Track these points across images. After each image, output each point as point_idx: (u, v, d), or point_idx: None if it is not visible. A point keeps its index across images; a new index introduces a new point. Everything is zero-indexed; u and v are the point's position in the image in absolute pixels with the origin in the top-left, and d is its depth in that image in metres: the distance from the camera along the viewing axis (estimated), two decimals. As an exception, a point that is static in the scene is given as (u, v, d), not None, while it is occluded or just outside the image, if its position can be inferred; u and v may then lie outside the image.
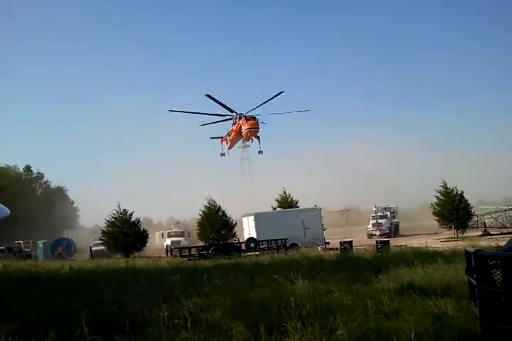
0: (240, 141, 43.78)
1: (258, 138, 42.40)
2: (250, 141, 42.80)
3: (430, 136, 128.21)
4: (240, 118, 41.90)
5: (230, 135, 44.78)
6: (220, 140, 47.26)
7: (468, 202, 37.47)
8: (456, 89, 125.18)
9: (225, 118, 43.51)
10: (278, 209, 38.45)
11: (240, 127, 41.68)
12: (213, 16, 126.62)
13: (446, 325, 6.14)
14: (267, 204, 42.65)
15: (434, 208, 37.97)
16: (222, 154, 47.12)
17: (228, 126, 44.92)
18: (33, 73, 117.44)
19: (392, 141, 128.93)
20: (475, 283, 5.03)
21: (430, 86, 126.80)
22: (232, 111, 42.47)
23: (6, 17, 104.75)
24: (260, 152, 43.08)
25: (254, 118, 41.13)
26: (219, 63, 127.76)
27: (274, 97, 41.21)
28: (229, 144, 45.69)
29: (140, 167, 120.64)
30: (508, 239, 6.11)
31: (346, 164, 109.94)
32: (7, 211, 39.72)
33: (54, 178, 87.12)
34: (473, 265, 5.07)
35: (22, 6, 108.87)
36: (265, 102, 41.06)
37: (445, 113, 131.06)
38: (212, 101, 40.70)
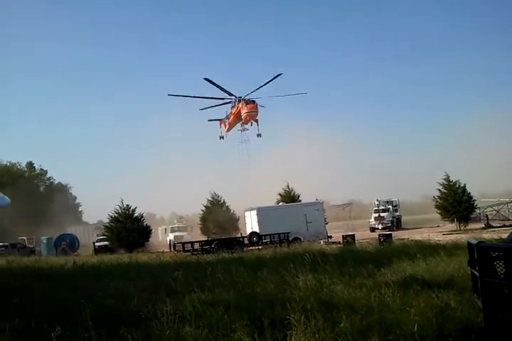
0: (239, 124, 43.93)
1: (257, 121, 42.49)
2: (249, 124, 42.89)
3: (432, 129, 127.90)
4: (240, 101, 41.86)
5: (229, 118, 44.84)
6: (218, 122, 47.35)
7: (471, 194, 37.40)
8: (457, 85, 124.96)
9: (224, 101, 43.55)
10: (281, 203, 38.49)
11: (240, 111, 41.66)
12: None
13: (450, 317, 6.16)
14: (270, 197, 42.76)
15: (437, 201, 37.89)
16: (221, 137, 47.26)
17: (227, 108, 45.09)
18: (35, 69, 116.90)
19: (394, 135, 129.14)
20: (478, 274, 5.05)
21: (431, 80, 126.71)
22: (230, 94, 42.47)
23: (6, 14, 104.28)
24: (259, 135, 43.22)
25: (253, 101, 41.06)
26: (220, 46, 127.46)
27: (272, 80, 41.05)
28: (227, 127, 45.78)
29: (142, 162, 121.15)
30: (511, 231, 6.11)
31: (348, 157, 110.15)
32: (7, 199, 39.87)
33: (57, 175, 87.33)
34: (476, 257, 5.08)
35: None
36: (263, 85, 40.98)
37: (446, 107, 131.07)
38: (209, 85, 40.73)
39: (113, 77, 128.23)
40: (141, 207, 39.42)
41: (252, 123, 42.71)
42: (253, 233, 30.06)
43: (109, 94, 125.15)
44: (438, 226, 40.60)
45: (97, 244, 38.39)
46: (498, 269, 5.02)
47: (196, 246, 27.25)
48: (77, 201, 78.65)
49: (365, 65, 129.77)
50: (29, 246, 41.18)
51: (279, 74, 41.17)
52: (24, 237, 43.79)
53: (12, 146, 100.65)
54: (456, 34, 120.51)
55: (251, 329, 6.11)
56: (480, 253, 5.03)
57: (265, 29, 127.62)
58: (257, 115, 41.65)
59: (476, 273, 5.18)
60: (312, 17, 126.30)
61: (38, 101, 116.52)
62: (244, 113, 41.00)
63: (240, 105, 41.61)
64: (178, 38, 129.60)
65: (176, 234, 42.47)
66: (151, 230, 39.05)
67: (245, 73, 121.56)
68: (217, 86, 41.25)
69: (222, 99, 43.20)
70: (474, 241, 5.27)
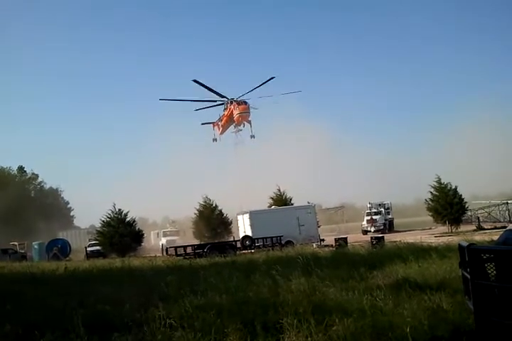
0: (232, 126, 44.18)
1: (250, 122, 42.67)
2: (242, 125, 43.09)
3: (424, 131, 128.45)
4: (232, 103, 42.06)
5: (221, 120, 45.03)
6: (211, 125, 47.48)
7: (462, 196, 37.59)
8: (452, 86, 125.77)
9: (216, 103, 43.72)
10: (273, 206, 38.49)
11: (232, 112, 41.91)
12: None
13: (441, 319, 6.18)
14: (262, 200, 42.76)
15: (428, 204, 38.05)
16: (214, 139, 47.48)
17: (220, 111, 45.38)
18: (30, 72, 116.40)
19: (387, 138, 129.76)
20: (469, 276, 5.06)
21: (428, 81, 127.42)
22: (222, 96, 42.65)
23: (3, 18, 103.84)
24: (252, 136, 43.45)
25: (245, 102, 41.36)
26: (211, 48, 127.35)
27: (265, 83, 41.34)
28: (221, 129, 45.95)
29: (134, 166, 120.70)
30: (501, 232, 6.14)
31: (341, 160, 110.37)
32: None
33: (49, 179, 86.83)
34: (467, 259, 5.09)
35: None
36: (256, 88, 41.25)
37: (442, 109, 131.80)
38: (199, 87, 41.21)
39: (106, 81, 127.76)
40: (133, 212, 39.34)
41: (244, 124, 42.92)
42: (246, 236, 30.05)
43: (102, 99, 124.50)
44: (430, 228, 40.78)
45: (89, 248, 38.15)
46: (489, 271, 5.04)
47: (189, 250, 27.18)
48: (68, 205, 78.36)
49: (362, 65, 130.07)
50: (20, 251, 40.90)
51: (272, 78, 41.57)
52: (15, 242, 43.47)
53: (2, 151, 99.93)
54: (455, 33, 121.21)
55: (244, 334, 6.11)
56: (471, 255, 5.04)
57: (261, 30, 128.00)
58: (249, 116, 41.88)
59: (467, 275, 5.19)
60: (310, 16, 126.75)
61: (30, 106, 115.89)
62: (236, 114, 41.28)
63: (232, 106, 41.86)
64: (173, 40, 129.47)
65: (169, 238, 42.39)
66: (143, 234, 38.91)
67: (238, 75, 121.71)
68: (207, 87, 41.46)
69: (215, 101, 43.40)
70: (465, 244, 5.29)
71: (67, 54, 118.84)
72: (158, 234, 48.05)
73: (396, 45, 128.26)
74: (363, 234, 41.56)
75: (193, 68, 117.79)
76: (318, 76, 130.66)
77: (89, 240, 43.02)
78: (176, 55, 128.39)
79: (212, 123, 47.06)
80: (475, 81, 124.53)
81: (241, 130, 43.64)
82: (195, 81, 40.70)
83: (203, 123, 48.77)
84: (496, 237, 8.85)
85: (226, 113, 43.35)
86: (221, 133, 46.31)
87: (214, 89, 42.10)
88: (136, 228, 38.09)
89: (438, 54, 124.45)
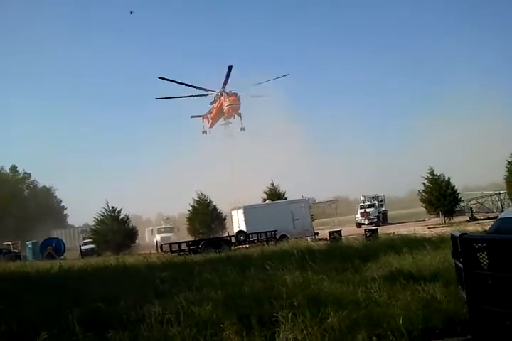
0: (222, 119, 44.44)
1: (240, 115, 42.79)
2: (232, 118, 43.23)
3: (415, 124, 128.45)
4: (222, 94, 42.15)
5: (211, 112, 45.09)
6: (201, 118, 47.55)
7: (455, 187, 37.67)
8: (445, 75, 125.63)
9: (206, 93, 43.78)
10: (267, 201, 38.50)
11: (222, 104, 41.97)
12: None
13: (435, 310, 6.22)
14: (256, 195, 42.76)
15: (422, 195, 38.15)
16: (204, 132, 47.51)
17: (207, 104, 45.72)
18: (24, 71, 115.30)
19: (378, 131, 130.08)
20: (462, 266, 5.09)
21: (421, 71, 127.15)
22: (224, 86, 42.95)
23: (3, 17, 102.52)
24: (242, 129, 43.51)
25: (235, 94, 41.48)
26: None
27: (277, 78, 42.20)
28: (210, 122, 46.02)
29: (126, 164, 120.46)
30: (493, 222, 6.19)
31: (333, 154, 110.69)
32: None
33: (41, 178, 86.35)
34: (460, 249, 5.12)
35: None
36: (266, 81, 41.91)
37: (431, 101, 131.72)
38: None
39: (100, 79, 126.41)
40: (126, 209, 39.26)
41: (234, 117, 43.03)
42: (240, 232, 30.02)
43: (95, 97, 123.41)
44: (424, 220, 40.94)
45: (83, 247, 38.09)
46: (482, 260, 5.08)
47: (183, 246, 27.12)
48: (61, 204, 78.10)
49: (358, 61, 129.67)
50: (14, 251, 40.68)
51: (286, 75, 42.58)
52: (9, 242, 43.29)
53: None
54: (453, 26, 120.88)
55: (239, 328, 6.11)
56: (463, 245, 5.07)
57: (260, 28, 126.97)
58: (239, 108, 42.00)
59: (459, 264, 5.23)
60: (306, 13, 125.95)
61: (23, 103, 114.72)
62: (226, 105, 41.39)
63: (222, 98, 41.88)
64: (172, 40, 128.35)
65: (163, 235, 42.33)
66: (137, 232, 38.86)
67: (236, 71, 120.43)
68: (228, 76, 41.77)
69: (208, 90, 43.42)
70: (458, 233, 5.32)
71: (64, 53, 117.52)
72: (152, 231, 47.99)
73: (395, 41, 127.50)
74: (357, 227, 41.65)
75: (192, 67, 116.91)
76: (316, 70, 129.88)
77: (84, 238, 42.93)
78: (175, 54, 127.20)
79: (202, 116, 47.10)
80: (470, 74, 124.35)
81: (230, 123, 43.86)
82: (229, 67, 40.94)
83: (192, 116, 48.85)
84: (488, 227, 8.92)
85: (216, 105, 43.43)
86: (211, 126, 46.43)
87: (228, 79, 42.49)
88: (130, 225, 38.05)
89: (437, 49, 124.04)
